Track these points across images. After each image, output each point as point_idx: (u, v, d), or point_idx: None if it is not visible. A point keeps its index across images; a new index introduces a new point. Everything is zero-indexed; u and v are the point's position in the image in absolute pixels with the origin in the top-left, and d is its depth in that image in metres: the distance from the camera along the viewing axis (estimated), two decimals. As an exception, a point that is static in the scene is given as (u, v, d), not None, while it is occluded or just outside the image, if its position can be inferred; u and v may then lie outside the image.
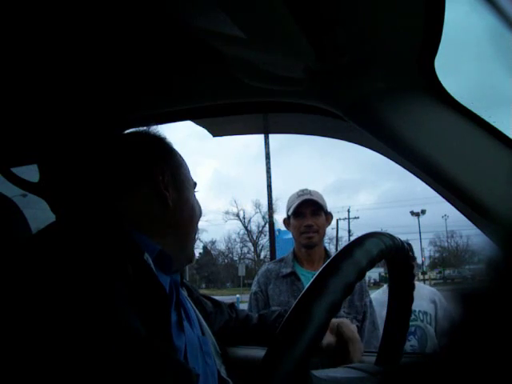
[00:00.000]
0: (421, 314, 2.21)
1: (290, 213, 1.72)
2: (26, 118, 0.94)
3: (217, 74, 0.83)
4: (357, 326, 1.57)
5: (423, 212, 33.41)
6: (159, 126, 0.99)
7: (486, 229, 0.65)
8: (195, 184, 0.81)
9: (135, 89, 0.91)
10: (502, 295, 0.22)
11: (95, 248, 0.57)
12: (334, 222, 31.85)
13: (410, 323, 2.29)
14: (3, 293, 0.51)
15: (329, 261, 0.47)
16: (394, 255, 0.58)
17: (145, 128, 0.79)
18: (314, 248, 1.71)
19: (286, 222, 1.80)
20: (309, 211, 1.69)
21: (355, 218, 32.67)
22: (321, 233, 1.71)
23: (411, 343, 2.14)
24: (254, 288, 1.72)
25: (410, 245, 2.47)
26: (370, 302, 1.66)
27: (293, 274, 1.67)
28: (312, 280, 0.45)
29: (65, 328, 0.47)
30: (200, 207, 0.81)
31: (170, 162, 0.75)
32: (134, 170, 0.71)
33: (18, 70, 0.81)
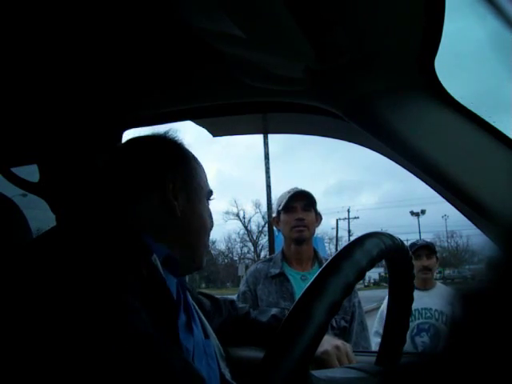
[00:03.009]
0: (437, 313, 2.24)
1: (280, 208, 1.72)
2: (27, 118, 0.94)
3: (217, 74, 0.83)
4: (344, 326, 1.57)
5: (423, 212, 33.42)
6: (159, 126, 0.99)
7: (486, 229, 0.65)
8: (211, 192, 0.79)
9: (136, 89, 0.91)
10: (502, 295, 0.22)
11: (107, 250, 0.57)
12: (333, 222, 31.93)
13: (425, 320, 2.31)
14: (8, 296, 0.50)
15: (329, 261, 0.47)
16: (394, 255, 0.58)
17: (162, 132, 0.78)
18: (303, 244, 1.70)
19: (276, 219, 1.79)
20: (300, 205, 1.69)
21: (355, 217, 32.73)
22: (311, 229, 1.71)
23: (423, 339, 2.16)
24: (242, 288, 1.71)
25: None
26: (359, 302, 1.66)
27: (282, 274, 1.67)
28: (312, 280, 0.45)
29: (70, 332, 0.46)
30: (211, 218, 0.79)
31: (183, 168, 0.74)
32: (144, 175, 0.70)
33: (19, 69, 0.80)
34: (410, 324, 2.15)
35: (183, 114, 0.99)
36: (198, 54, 0.77)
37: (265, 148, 13.54)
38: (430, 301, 2.24)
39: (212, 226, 0.80)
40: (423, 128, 0.70)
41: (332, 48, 0.68)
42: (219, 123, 1.05)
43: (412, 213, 33.82)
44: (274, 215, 1.82)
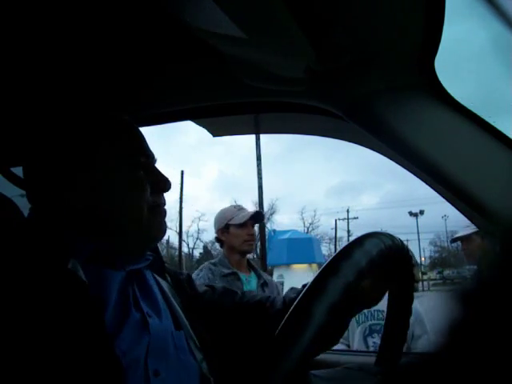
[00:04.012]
0: None
1: (233, 222, 1.99)
2: (27, 118, 0.94)
3: (217, 73, 0.83)
4: None
5: (421, 213, 33.31)
6: (161, 126, 0.99)
7: (486, 229, 0.65)
8: (145, 156, 0.70)
9: (135, 89, 0.91)
10: (501, 295, 0.22)
11: (18, 260, 0.55)
12: (332, 222, 31.94)
13: (377, 321, 2.36)
14: None
15: (328, 261, 0.47)
16: (394, 255, 0.58)
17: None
18: (247, 254, 2.02)
19: (222, 231, 2.05)
20: (250, 222, 2.01)
21: (354, 218, 32.70)
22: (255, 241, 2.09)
23: (374, 340, 2.18)
24: (203, 282, 1.85)
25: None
26: None
27: (234, 273, 1.93)
28: (312, 280, 0.45)
29: None
30: (145, 182, 0.68)
31: (89, 152, 0.66)
32: (51, 172, 0.66)
33: (19, 69, 0.80)
34: (363, 325, 2.17)
35: (183, 114, 0.99)
36: (199, 54, 0.77)
37: (257, 150, 13.31)
38: (382, 302, 2.28)
39: (142, 189, 0.67)
40: (423, 128, 0.70)
41: (332, 48, 0.68)
42: (219, 123, 1.05)
43: (410, 213, 33.69)
44: (219, 229, 2.07)
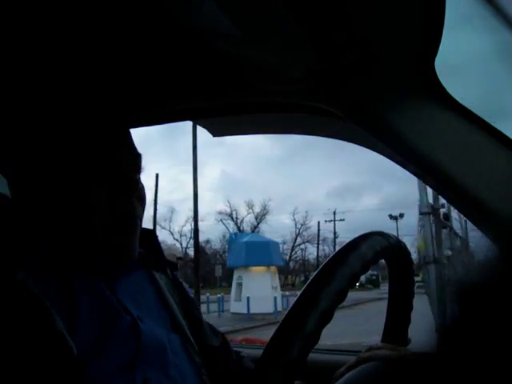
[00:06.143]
0: None
1: None
2: (27, 119, 0.93)
3: (217, 73, 0.83)
4: None
5: (401, 216, 32.79)
6: (163, 126, 0.99)
7: (486, 229, 0.65)
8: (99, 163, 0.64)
9: (135, 89, 0.91)
10: (501, 294, 0.22)
11: None
12: (326, 224, 32.42)
13: None
14: None
15: (335, 252, 0.48)
16: (395, 253, 0.59)
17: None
18: None
19: None
20: None
21: (340, 220, 32.96)
22: None
23: None
24: None
25: None
26: None
27: None
28: (318, 269, 0.46)
29: None
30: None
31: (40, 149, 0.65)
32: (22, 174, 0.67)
33: (20, 70, 0.80)
34: None
35: (183, 114, 0.99)
36: (199, 54, 0.77)
37: (193, 157, 12.49)
38: None
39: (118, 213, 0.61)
40: (423, 128, 0.70)
41: (332, 48, 0.68)
42: (219, 123, 1.05)
43: (391, 216, 33.06)
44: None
